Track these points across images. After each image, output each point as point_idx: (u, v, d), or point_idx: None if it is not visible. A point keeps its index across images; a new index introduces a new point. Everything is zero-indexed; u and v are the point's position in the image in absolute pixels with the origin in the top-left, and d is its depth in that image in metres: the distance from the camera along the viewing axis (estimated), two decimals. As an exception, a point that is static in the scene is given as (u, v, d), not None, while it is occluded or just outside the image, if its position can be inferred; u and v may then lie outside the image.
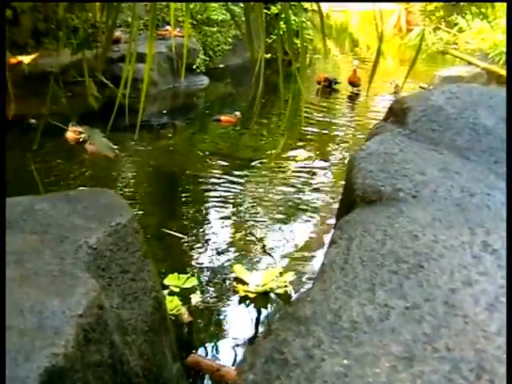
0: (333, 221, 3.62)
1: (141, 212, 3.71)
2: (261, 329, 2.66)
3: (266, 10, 7.00)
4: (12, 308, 1.01)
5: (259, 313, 2.79)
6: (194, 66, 7.68)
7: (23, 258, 1.21)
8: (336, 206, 3.78)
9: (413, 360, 0.85)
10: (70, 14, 5.88)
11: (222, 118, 5.87)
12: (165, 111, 6.71)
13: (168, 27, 7.25)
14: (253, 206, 3.96)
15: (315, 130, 5.81)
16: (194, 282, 2.92)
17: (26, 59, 6.41)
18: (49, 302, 1.06)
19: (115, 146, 4.54)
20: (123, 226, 1.47)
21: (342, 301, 0.98)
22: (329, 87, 7.50)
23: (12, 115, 4.23)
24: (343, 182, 3.96)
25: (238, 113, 5.81)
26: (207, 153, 5.07)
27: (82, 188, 3.87)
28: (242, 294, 2.85)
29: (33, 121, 5.11)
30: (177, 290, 2.81)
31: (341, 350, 0.87)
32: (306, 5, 8.85)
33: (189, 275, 2.95)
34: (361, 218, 1.27)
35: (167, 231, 3.36)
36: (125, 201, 1.73)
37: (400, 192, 1.35)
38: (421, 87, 6.98)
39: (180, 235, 3.34)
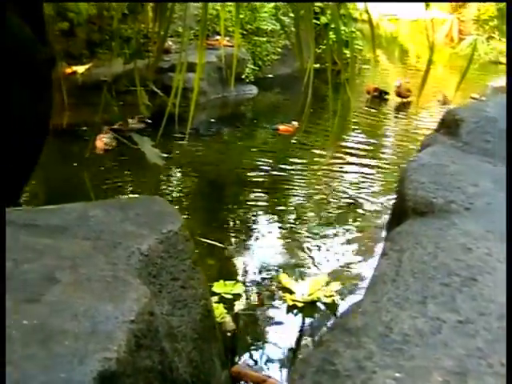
0: (380, 231, 3.60)
1: (187, 219, 3.74)
2: (308, 338, 2.64)
3: (315, 20, 7.00)
4: (67, 312, 1.04)
5: (305, 322, 2.78)
6: (243, 76, 7.72)
7: (77, 264, 1.23)
8: (384, 216, 3.75)
9: (466, 375, 0.83)
10: (124, 25, 6.01)
11: (281, 127, 5.87)
12: (213, 120, 6.76)
13: (218, 37, 7.31)
14: (299, 215, 3.95)
15: (364, 139, 5.77)
16: (240, 289, 2.93)
17: (80, 69, 6.57)
18: (102, 307, 1.07)
19: (164, 155, 4.59)
20: (174, 233, 1.49)
21: (394, 313, 0.97)
22: (378, 97, 7.44)
23: (66, 123, 4.34)
24: (392, 193, 3.92)
25: (295, 122, 5.80)
26: (254, 161, 5.09)
27: (133, 195, 3.94)
28: (290, 303, 2.84)
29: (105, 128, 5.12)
30: (224, 297, 2.82)
31: (392, 362, 0.86)
32: (356, 14, 8.83)
33: (234, 282, 2.96)
34: (412, 229, 1.26)
35: (205, 240, 3.37)
36: (175, 208, 1.75)
37: (452, 204, 1.33)
38: (472, 98, 6.87)
39: (218, 244, 3.35)
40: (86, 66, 6.69)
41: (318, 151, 5.40)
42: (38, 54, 2.52)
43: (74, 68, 6.61)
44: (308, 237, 3.60)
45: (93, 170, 4.49)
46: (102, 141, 5.10)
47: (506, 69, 1.98)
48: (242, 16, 7.64)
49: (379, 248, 3.21)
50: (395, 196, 1.77)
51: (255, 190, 4.43)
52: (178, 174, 4.90)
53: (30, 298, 1.08)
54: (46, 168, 4.07)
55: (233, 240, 3.57)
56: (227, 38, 6.88)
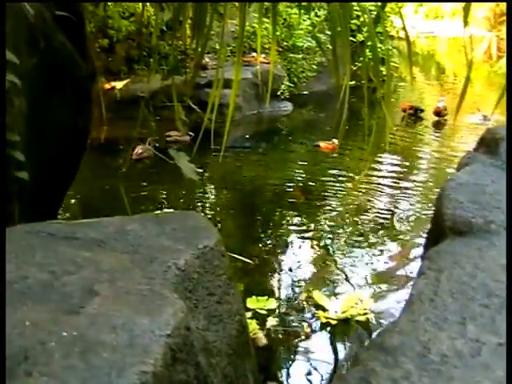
0: (415, 250, 3.56)
1: (222, 234, 3.75)
2: (341, 356, 2.62)
3: (351, 38, 7.01)
4: (105, 324, 1.05)
5: (339, 340, 2.75)
6: (279, 92, 7.75)
7: (115, 277, 1.25)
8: (420, 235, 3.71)
9: (507, 399, 0.82)
10: (162, 42, 6.09)
11: (321, 144, 5.86)
12: (248, 136, 6.79)
13: (254, 54, 7.37)
14: (333, 232, 3.93)
15: (399, 157, 5.73)
16: (272, 305, 2.92)
17: (119, 85, 6.68)
18: (139, 321, 1.08)
19: (200, 170, 4.63)
20: (210, 248, 1.49)
21: (432, 333, 0.96)
22: (414, 115, 7.38)
23: (104, 137, 4.40)
24: (429, 212, 3.88)
25: (335, 140, 5.78)
26: (288, 177, 5.09)
27: (169, 210, 3.98)
28: (323, 320, 2.82)
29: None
30: (257, 312, 2.81)
31: (430, 383, 0.85)
32: (393, 32, 8.81)
33: (267, 298, 2.95)
34: (451, 249, 1.25)
35: (234, 255, 3.37)
36: (211, 224, 1.76)
37: (492, 224, 1.31)
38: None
39: (247, 260, 3.34)
40: (124, 82, 6.81)
41: (353, 168, 5.38)
42: (79, 70, 2.58)
43: (113, 83, 6.73)
44: (342, 254, 3.58)
45: (130, 183, 4.53)
46: (139, 148, 5.18)
47: (506, 69, 1.95)
48: (278, 33, 7.69)
49: (414, 267, 3.18)
50: (433, 215, 1.75)
51: (289, 205, 4.43)
52: (213, 189, 4.93)
53: (70, 310, 1.10)
54: (83, 181, 4.13)
55: (266, 255, 3.57)
56: (263, 55, 6.93)
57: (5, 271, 1.19)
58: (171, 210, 3.69)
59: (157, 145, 5.41)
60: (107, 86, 6.57)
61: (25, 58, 2.06)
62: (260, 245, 3.75)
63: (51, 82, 2.32)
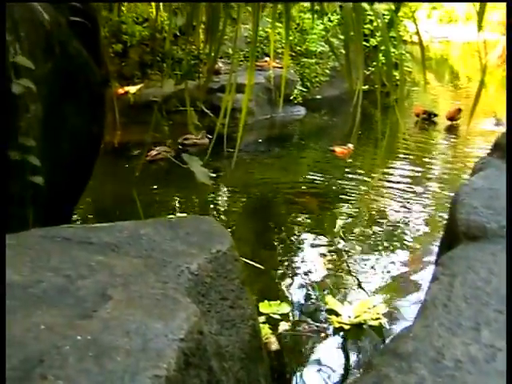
0: (428, 255, 3.54)
1: (234, 238, 3.75)
2: (354, 361, 2.61)
3: (365, 42, 7.00)
4: (119, 329, 1.05)
5: (352, 345, 2.74)
6: (292, 97, 7.76)
7: (129, 281, 1.25)
8: (433, 239, 3.69)
9: (522, 405, 0.81)
10: (175, 47, 6.12)
11: (337, 149, 5.84)
12: (261, 140, 6.79)
13: (267, 58, 7.38)
14: (346, 237, 3.92)
15: (412, 161, 5.71)
16: (285, 309, 2.91)
17: (132, 89, 6.72)
18: (152, 325, 1.08)
19: (213, 174, 4.64)
20: (223, 253, 1.50)
21: (446, 339, 0.95)
22: (427, 120, 7.36)
23: (117, 142, 4.42)
24: (442, 217, 3.86)
25: (350, 145, 5.77)
26: (301, 182, 5.09)
27: (182, 214, 3.99)
28: (336, 325, 2.81)
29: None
30: (270, 317, 2.81)
31: (444, 389, 0.85)
32: (406, 36, 8.79)
33: (279, 302, 2.95)
34: (464, 254, 1.24)
35: (245, 260, 3.37)
36: (224, 228, 1.76)
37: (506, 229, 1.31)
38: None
39: (258, 265, 3.33)
40: (138, 87, 6.85)
41: (366, 172, 5.36)
42: (93, 76, 2.60)
43: (126, 88, 6.77)
44: (355, 259, 3.57)
45: (143, 187, 4.55)
46: (155, 149, 5.21)
47: (506, 70, 1.94)
48: (291, 38, 7.70)
49: (427, 272, 3.17)
50: (447, 220, 1.74)
51: (302, 210, 4.43)
52: (226, 193, 4.94)
53: (84, 314, 1.10)
54: (97, 185, 4.15)
55: (278, 260, 3.57)
56: (276, 60, 6.94)
57: (5, 272, 1.20)
58: (184, 215, 3.70)
59: (178, 147, 5.47)
60: (121, 90, 6.60)
61: (40, 64, 2.08)
62: (273, 249, 3.75)
63: (66, 87, 2.34)
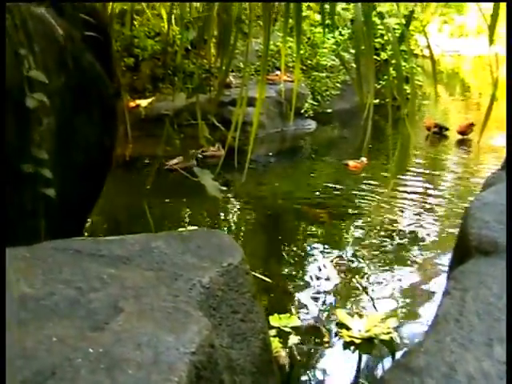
0: (439, 269, 3.53)
1: (245, 251, 3.75)
2: (365, 376, 2.59)
3: (375, 56, 7.01)
4: (130, 341, 1.05)
5: (363, 359, 2.73)
6: (302, 110, 7.77)
7: (140, 294, 1.26)
8: (444, 254, 3.67)
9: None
10: (187, 61, 6.16)
11: (350, 163, 5.83)
12: (271, 153, 6.80)
13: (278, 72, 7.40)
14: (356, 250, 3.91)
15: (424, 175, 5.70)
16: (295, 322, 2.90)
17: (144, 103, 6.75)
18: (163, 338, 1.09)
19: (223, 188, 4.65)
20: (235, 266, 1.50)
21: (458, 354, 0.95)
22: (438, 133, 7.34)
23: (129, 155, 4.44)
24: (454, 231, 3.84)
25: (364, 159, 5.77)
26: (311, 195, 5.09)
27: (193, 227, 3.98)
28: (347, 339, 2.80)
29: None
30: (280, 330, 2.80)
31: (457, 405, 0.84)
32: (417, 50, 8.79)
33: (289, 315, 2.93)
34: (476, 269, 1.24)
35: (254, 274, 3.37)
36: (235, 242, 1.76)
37: (518, 244, 1.30)
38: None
39: (266, 279, 3.33)
40: (149, 100, 6.89)
41: (377, 186, 5.35)
42: (106, 89, 2.62)
43: (138, 101, 6.81)
44: (366, 272, 3.56)
45: (154, 200, 4.56)
46: (176, 159, 5.26)
47: (506, 70, 1.94)
48: (302, 52, 7.72)
49: (439, 286, 3.15)
50: (458, 234, 1.74)
51: (313, 222, 4.42)
52: (237, 207, 4.94)
53: (96, 326, 1.11)
54: (108, 198, 4.17)
55: (288, 273, 3.56)
56: (287, 74, 6.95)
57: (5, 274, 1.20)
58: (195, 228, 3.70)
59: (200, 156, 5.50)
60: (132, 104, 6.64)
61: (54, 78, 2.10)
62: (283, 262, 3.74)
63: (79, 100, 2.36)
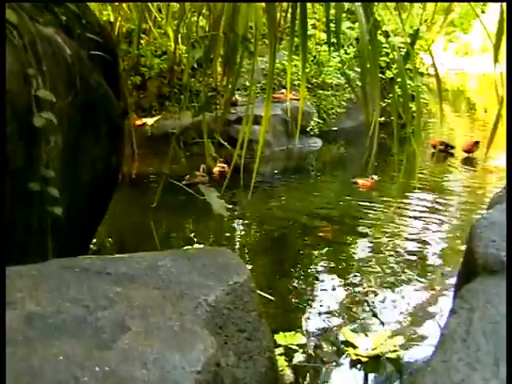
0: (446, 287, 3.51)
1: (250, 269, 3.75)
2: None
3: (381, 75, 7.04)
4: (137, 360, 1.06)
5: (369, 377, 2.71)
6: (308, 128, 7.79)
7: (147, 312, 1.26)
8: (450, 273, 3.66)
9: None
10: (193, 79, 6.20)
11: (359, 181, 5.83)
12: (277, 171, 6.82)
13: (284, 90, 7.43)
14: (363, 268, 3.90)
15: (429, 194, 5.70)
16: (300, 340, 2.89)
17: (150, 121, 6.79)
18: (170, 357, 1.09)
19: (229, 206, 4.66)
20: (240, 285, 1.50)
21: (465, 373, 0.95)
22: (444, 151, 7.34)
23: (135, 173, 4.46)
24: (459, 249, 3.83)
25: (375, 176, 5.78)
26: (318, 213, 5.09)
27: (199, 245, 3.99)
28: (354, 357, 2.79)
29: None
30: (285, 348, 2.79)
31: (464, 425, 0.84)
32: (422, 69, 8.83)
33: (293, 333, 2.93)
34: (483, 288, 1.24)
35: (260, 292, 3.37)
36: (241, 260, 1.77)
37: (525, 263, 1.30)
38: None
39: (269, 297, 3.32)
40: (156, 118, 6.93)
41: (383, 204, 5.35)
42: (113, 108, 2.64)
43: (144, 120, 6.84)
44: (372, 290, 3.55)
45: (160, 218, 4.57)
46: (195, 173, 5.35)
47: (506, 71, 1.95)
48: (307, 70, 7.76)
49: (445, 304, 3.14)
50: (464, 253, 1.74)
51: (319, 240, 4.42)
52: (242, 225, 4.94)
53: (102, 345, 1.11)
54: (114, 216, 4.19)
55: (294, 291, 3.55)
56: (293, 92, 6.99)
57: (5, 275, 1.21)
58: (201, 246, 3.71)
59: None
60: (139, 122, 6.68)
61: (62, 97, 2.12)
62: (289, 280, 3.74)
63: (86, 119, 2.38)
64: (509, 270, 1.05)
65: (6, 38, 1.85)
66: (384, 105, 6.96)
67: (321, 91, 8.47)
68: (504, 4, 2.19)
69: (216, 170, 5.48)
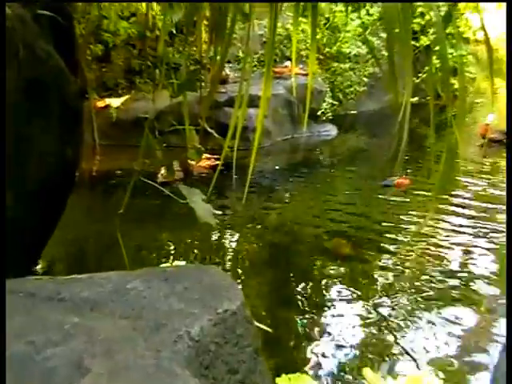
0: (494, 317, 3.52)
1: (245, 293, 3.75)
2: None
3: (413, 42, 7.06)
4: (99, 410, 1.06)
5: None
6: (319, 113, 7.81)
7: (113, 349, 1.26)
8: (497, 299, 3.67)
9: None
10: (171, 48, 6.20)
11: (397, 181, 5.83)
12: (278, 167, 6.83)
13: (288, 63, 7.45)
14: (387, 291, 3.91)
15: (475, 197, 5.71)
16: (308, 383, 2.90)
17: (116, 103, 6.79)
18: (141, 406, 1.09)
19: (218, 212, 4.66)
20: (232, 313, 1.50)
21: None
22: (497, 141, 7.28)
23: (96, 170, 4.45)
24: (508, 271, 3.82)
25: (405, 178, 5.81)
26: (328, 222, 5.10)
27: (180, 263, 3.99)
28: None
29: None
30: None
31: None
32: (468, 33, 8.84)
33: (299, 374, 2.93)
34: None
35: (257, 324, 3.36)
36: (234, 281, 1.77)
37: None
38: None
39: (268, 329, 3.32)
40: (123, 99, 6.92)
41: (414, 210, 5.36)
42: (67, 85, 2.63)
43: (108, 101, 6.84)
44: (401, 320, 3.55)
45: (129, 227, 4.57)
46: (163, 168, 5.32)
47: (506, 70, 1.97)
48: (318, 37, 7.77)
49: (492, 337, 3.15)
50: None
51: (332, 257, 4.43)
52: (235, 236, 4.95)
53: (54, 392, 1.11)
54: (71, 224, 4.18)
55: (301, 321, 3.55)
56: (300, 66, 7.00)
57: (5, 274, 1.21)
58: (183, 263, 3.71)
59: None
60: (101, 104, 6.67)
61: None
62: (293, 307, 3.74)
63: (33, 99, 2.37)
64: (509, 270, 1.07)
65: (5, 38, 1.85)
66: (417, 81, 6.99)
67: (335, 64, 8.48)
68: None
69: (201, 165, 5.48)
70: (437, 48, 2.30)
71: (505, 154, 7.25)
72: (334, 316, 3.65)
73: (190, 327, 1.40)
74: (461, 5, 7.00)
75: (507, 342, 0.88)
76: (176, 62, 5.95)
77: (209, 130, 2.98)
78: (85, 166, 3.74)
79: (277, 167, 6.80)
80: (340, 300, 3.84)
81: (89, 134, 3.15)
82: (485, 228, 5.00)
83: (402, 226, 5.05)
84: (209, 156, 5.49)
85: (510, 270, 1.08)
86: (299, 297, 3.89)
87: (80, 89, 2.98)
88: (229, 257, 4.57)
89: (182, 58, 5.09)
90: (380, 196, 5.76)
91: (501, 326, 3.13)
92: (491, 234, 4.88)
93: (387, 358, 3.20)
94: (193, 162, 5.57)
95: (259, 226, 5.04)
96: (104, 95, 6.98)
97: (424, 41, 8.00)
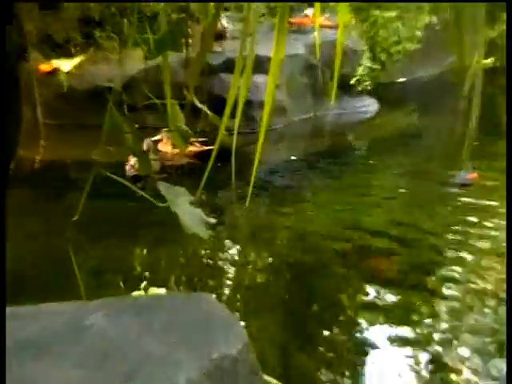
0: None
1: (248, 331, 3.77)
2: None
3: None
4: None
5: None
6: (353, 80, 7.76)
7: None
8: None
9: None
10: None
11: (471, 175, 5.86)
12: (294, 157, 6.82)
13: (309, 12, 7.41)
14: (447, 333, 3.91)
15: None
16: None
17: (66, 65, 6.74)
18: None
19: (212, 220, 4.67)
20: (232, 359, 1.50)
21: None
22: None
23: (40, 160, 4.46)
24: None
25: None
26: (353, 231, 5.11)
27: (157, 289, 4.00)
28: None
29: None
30: None
31: None
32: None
33: None
34: None
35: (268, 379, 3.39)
36: (233, 315, 1.77)
37: None
38: None
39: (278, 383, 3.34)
40: (76, 61, 6.88)
41: (483, 216, 5.36)
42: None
43: (56, 64, 6.78)
44: (462, 369, 3.55)
45: (86, 240, 4.60)
46: (132, 159, 5.32)
47: (506, 70, 1.99)
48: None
49: None
50: None
51: (366, 280, 4.42)
52: (233, 251, 4.96)
53: None
54: (10, 237, 4.19)
55: (324, 370, 3.56)
56: (325, 15, 6.98)
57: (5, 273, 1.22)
58: (162, 291, 3.71)
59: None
60: (45, 67, 6.63)
61: None
62: (313, 354, 3.75)
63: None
64: (509, 270, 1.17)
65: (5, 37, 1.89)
66: (493, 36, 6.97)
67: (376, 13, 8.44)
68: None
69: (189, 151, 5.45)
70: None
71: None
72: (367, 362, 3.65)
73: (172, 380, 1.40)
74: None
75: (507, 342, 0.94)
76: (152, 11, 5.97)
77: (199, 104, 2.99)
78: (24, 153, 3.72)
79: (293, 157, 6.80)
80: (377, 339, 3.85)
81: (29, 109, 3.14)
82: None
83: (464, 237, 5.05)
84: (192, 139, 5.49)
85: (510, 270, 1.19)
86: (321, 339, 3.90)
87: (17, 46, 2.98)
88: (227, 282, 4.58)
89: (160, 6, 5.11)
90: (444, 196, 5.77)
91: None
92: None
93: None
94: (167, 149, 5.60)
95: (268, 240, 5.05)
96: (51, 56, 6.96)
97: (501, -20, 7.97)
